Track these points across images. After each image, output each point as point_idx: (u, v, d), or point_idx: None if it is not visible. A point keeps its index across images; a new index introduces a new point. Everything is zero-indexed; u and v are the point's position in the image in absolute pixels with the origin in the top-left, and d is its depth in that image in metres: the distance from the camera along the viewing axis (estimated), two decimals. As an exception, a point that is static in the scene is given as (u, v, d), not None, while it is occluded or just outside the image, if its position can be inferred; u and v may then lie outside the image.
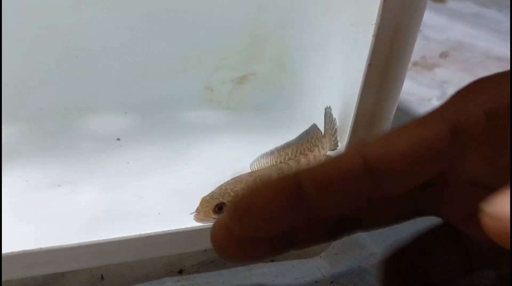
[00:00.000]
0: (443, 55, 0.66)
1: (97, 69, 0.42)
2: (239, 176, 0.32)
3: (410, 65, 0.63)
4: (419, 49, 0.67)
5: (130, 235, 0.27)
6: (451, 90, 0.59)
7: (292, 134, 0.35)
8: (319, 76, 0.40)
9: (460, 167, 0.21)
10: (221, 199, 0.30)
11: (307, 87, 0.43)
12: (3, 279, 0.27)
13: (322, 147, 0.34)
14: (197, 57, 0.44)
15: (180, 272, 0.30)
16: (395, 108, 0.30)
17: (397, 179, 0.20)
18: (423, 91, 0.55)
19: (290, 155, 0.34)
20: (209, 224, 0.29)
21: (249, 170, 0.34)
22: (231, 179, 0.32)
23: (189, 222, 0.30)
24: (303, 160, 0.33)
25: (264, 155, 0.34)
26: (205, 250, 0.32)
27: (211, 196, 0.31)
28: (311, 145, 0.34)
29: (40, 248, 0.26)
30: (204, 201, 0.31)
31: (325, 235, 0.25)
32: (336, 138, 0.33)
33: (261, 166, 0.34)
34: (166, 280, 0.29)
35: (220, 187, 0.32)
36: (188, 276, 0.30)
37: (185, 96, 0.45)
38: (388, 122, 0.31)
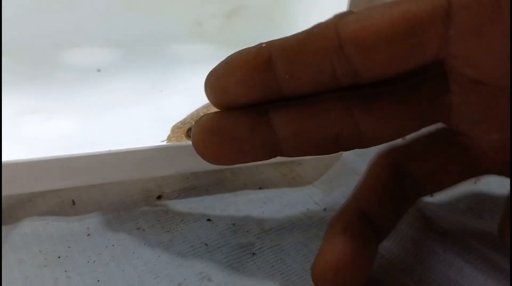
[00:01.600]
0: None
1: (80, 2, 0.39)
2: None
3: None
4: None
5: (100, 151, 0.25)
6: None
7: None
8: (313, 8, 0.37)
9: (456, 54, 0.18)
10: (193, 123, 0.28)
11: (301, 20, 0.40)
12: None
13: None
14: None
15: (159, 198, 0.28)
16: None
17: (372, 59, 0.18)
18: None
19: None
20: (185, 143, 0.27)
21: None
22: (203, 105, 0.29)
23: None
24: None
25: None
26: (187, 178, 0.30)
27: (182, 122, 0.29)
28: None
29: (-3, 161, 0.23)
30: (175, 128, 0.29)
31: (316, 149, 0.22)
32: None
33: None
34: (143, 205, 0.27)
35: (191, 113, 0.29)
36: (168, 201, 0.28)
37: (171, 30, 0.42)
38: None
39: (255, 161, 0.21)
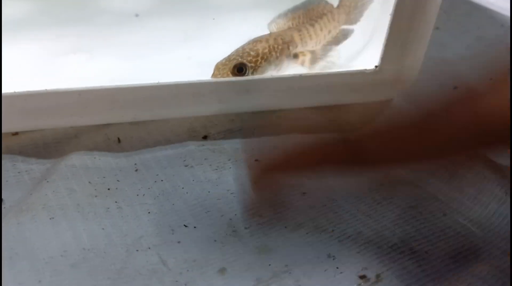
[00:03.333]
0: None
1: None
2: (258, 37, 0.29)
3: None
4: None
5: (148, 82, 0.24)
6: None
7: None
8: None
9: None
10: (240, 59, 0.27)
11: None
12: (11, 130, 0.24)
13: (332, 18, 0.30)
14: None
15: (205, 137, 0.27)
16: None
17: None
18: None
19: (302, 18, 0.30)
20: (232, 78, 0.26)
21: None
22: (249, 41, 0.28)
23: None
24: (316, 25, 0.30)
25: (280, 16, 0.30)
26: (233, 120, 0.29)
27: (228, 58, 0.27)
28: (318, 13, 0.30)
29: (46, 89, 0.23)
30: (220, 64, 0.27)
31: None
32: (358, 12, 0.30)
33: (279, 27, 0.30)
34: (190, 143, 0.26)
35: (237, 50, 0.28)
36: (214, 141, 0.27)
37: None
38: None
39: None
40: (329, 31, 0.30)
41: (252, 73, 0.27)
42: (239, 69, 0.26)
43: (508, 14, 0.44)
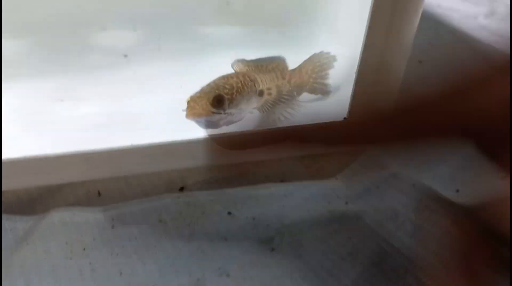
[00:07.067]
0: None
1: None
2: (226, 74, 0.29)
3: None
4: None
5: (122, 145, 0.25)
6: (501, 9, 0.53)
7: (306, 53, 0.33)
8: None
9: None
10: (217, 91, 0.27)
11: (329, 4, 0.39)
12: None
13: (282, 77, 0.31)
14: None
15: (181, 189, 0.28)
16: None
17: None
18: (469, 7, 0.49)
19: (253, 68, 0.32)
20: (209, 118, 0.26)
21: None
22: (218, 78, 0.29)
23: (195, 132, 0.27)
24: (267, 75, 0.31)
25: (240, 61, 0.32)
26: (210, 169, 0.30)
27: (202, 91, 0.27)
28: (268, 69, 0.32)
29: (24, 156, 0.24)
30: (195, 97, 0.27)
31: None
32: (322, 83, 0.32)
33: (240, 68, 0.32)
34: (166, 196, 0.28)
35: (208, 84, 0.28)
36: (190, 193, 0.28)
37: (198, 9, 0.41)
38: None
39: None
40: (277, 86, 0.31)
41: (229, 106, 0.27)
42: (218, 101, 0.26)
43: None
